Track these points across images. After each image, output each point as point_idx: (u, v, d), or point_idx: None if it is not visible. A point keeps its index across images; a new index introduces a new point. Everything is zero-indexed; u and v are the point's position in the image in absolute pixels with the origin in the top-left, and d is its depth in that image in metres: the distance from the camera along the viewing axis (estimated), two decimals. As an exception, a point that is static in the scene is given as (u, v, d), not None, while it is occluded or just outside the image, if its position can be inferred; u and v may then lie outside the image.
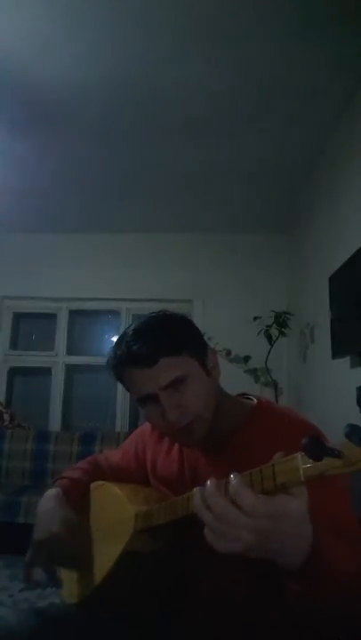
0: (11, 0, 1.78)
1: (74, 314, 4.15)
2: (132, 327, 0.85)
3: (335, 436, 0.85)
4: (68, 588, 0.94)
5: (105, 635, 0.87)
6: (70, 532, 0.87)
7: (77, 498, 0.98)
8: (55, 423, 3.90)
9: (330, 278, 2.49)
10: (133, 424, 3.86)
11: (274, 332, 3.36)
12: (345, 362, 2.33)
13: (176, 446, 0.96)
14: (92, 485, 1.01)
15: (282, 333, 3.37)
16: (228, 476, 0.61)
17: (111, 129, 2.61)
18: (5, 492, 2.97)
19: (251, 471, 0.55)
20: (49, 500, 0.94)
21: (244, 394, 0.98)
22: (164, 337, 0.81)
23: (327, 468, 0.48)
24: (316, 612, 0.63)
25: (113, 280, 3.98)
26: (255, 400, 0.92)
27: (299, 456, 0.50)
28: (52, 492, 0.96)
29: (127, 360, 0.81)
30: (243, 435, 0.85)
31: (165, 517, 0.75)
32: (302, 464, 0.50)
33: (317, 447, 0.47)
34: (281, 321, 3.35)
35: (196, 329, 0.89)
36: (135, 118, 2.51)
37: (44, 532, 0.86)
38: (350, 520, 0.72)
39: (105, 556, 0.84)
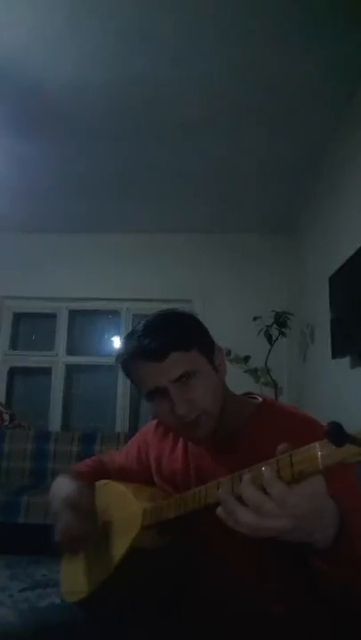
0: (12, 0, 1.78)
1: (74, 314, 4.15)
2: (142, 323, 0.86)
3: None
4: (70, 587, 0.94)
5: (106, 634, 0.87)
6: (84, 496, 0.90)
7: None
8: (55, 423, 3.90)
9: (330, 278, 2.49)
10: (133, 424, 3.86)
11: (274, 332, 3.36)
12: (345, 362, 2.33)
13: (180, 445, 0.96)
14: (97, 484, 1.02)
15: (282, 333, 3.37)
16: (232, 473, 0.61)
17: (111, 129, 2.61)
18: (5, 491, 2.97)
19: (267, 461, 0.56)
20: (60, 482, 0.98)
21: (248, 393, 0.98)
22: (175, 332, 0.83)
23: (346, 456, 0.48)
24: (347, 593, 0.64)
25: (113, 280, 3.98)
26: (260, 399, 0.93)
27: (317, 445, 0.51)
28: (61, 477, 1.00)
29: (138, 354, 0.82)
30: (248, 433, 0.85)
31: (174, 513, 0.75)
32: (320, 452, 0.51)
33: (341, 433, 0.48)
34: (281, 321, 3.34)
35: (204, 327, 0.91)
36: (135, 118, 2.51)
37: (60, 503, 0.89)
38: None
39: (110, 553, 0.84)
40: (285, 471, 0.53)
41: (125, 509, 0.86)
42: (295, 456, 0.53)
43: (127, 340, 0.86)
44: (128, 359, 0.85)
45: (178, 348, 0.81)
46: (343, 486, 0.62)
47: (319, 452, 0.51)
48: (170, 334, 0.82)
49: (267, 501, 0.53)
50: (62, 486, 0.95)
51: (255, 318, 3.36)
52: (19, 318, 4.19)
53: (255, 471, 0.57)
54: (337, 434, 0.48)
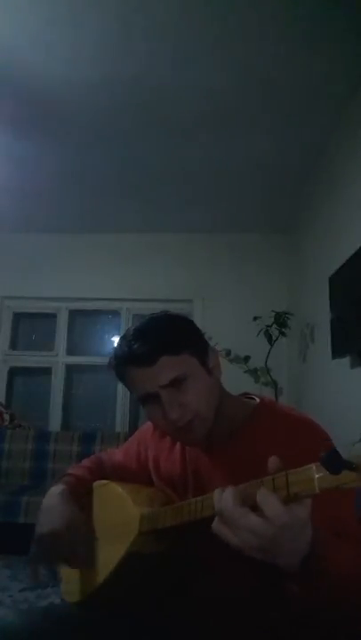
0: (12, 0, 1.78)
1: (74, 314, 4.15)
2: (132, 327, 0.86)
3: (335, 437, 0.85)
4: (70, 587, 0.94)
5: (105, 635, 0.87)
6: (72, 527, 0.87)
7: (81, 495, 0.98)
8: (55, 423, 3.90)
9: (330, 278, 2.49)
10: (133, 424, 3.86)
11: (274, 332, 3.36)
12: (345, 362, 2.33)
13: (178, 446, 0.96)
14: (96, 484, 1.02)
15: (282, 333, 3.36)
16: (230, 475, 0.61)
17: (111, 129, 2.61)
18: (5, 491, 2.97)
19: (263, 479, 0.55)
20: (52, 497, 0.95)
21: (246, 393, 0.98)
22: (165, 336, 0.82)
23: (343, 482, 0.47)
24: (316, 614, 0.63)
25: (113, 280, 3.98)
26: (258, 399, 0.92)
27: (313, 467, 0.49)
28: (55, 489, 0.97)
29: (128, 359, 0.81)
30: (245, 434, 0.85)
31: (171, 521, 0.74)
32: (317, 475, 0.49)
33: (337, 461, 0.46)
34: (281, 321, 3.34)
35: (197, 329, 0.89)
36: (135, 118, 2.51)
37: (46, 527, 0.87)
38: (351, 522, 0.72)
39: (107, 556, 0.84)
40: (281, 492, 0.52)
41: (123, 513, 0.85)
42: (291, 476, 0.52)
43: (118, 344, 0.85)
44: (118, 365, 0.84)
45: (168, 352, 0.79)
46: (329, 500, 0.61)
47: (315, 474, 0.49)
48: (159, 338, 0.81)
49: (246, 516, 0.52)
50: (48, 512, 0.91)
51: (255, 318, 3.36)
52: (19, 318, 4.19)
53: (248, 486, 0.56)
54: (332, 462, 0.46)
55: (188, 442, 0.89)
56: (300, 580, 0.57)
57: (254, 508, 0.53)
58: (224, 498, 0.55)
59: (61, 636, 0.88)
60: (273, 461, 0.55)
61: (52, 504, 0.93)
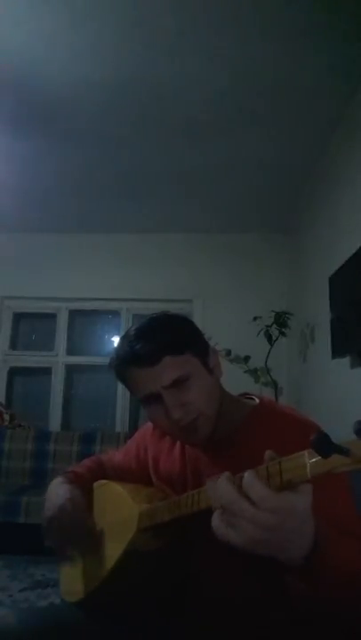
0: (12, 1, 1.78)
1: (74, 314, 4.15)
2: (133, 328, 0.85)
3: (335, 436, 0.85)
4: (70, 587, 0.94)
5: (105, 635, 0.87)
6: (77, 504, 0.90)
7: (81, 488, 0.99)
8: (55, 423, 3.90)
9: (330, 278, 2.49)
10: (133, 424, 3.86)
11: (274, 332, 3.36)
12: (345, 362, 2.33)
13: (177, 446, 0.96)
14: (96, 484, 1.02)
15: (282, 333, 3.37)
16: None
17: (111, 129, 2.61)
18: (5, 491, 2.97)
19: (257, 468, 0.55)
20: (55, 485, 0.98)
21: (246, 393, 0.98)
22: (167, 336, 0.82)
23: (334, 466, 0.47)
24: (319, 610, 0.63)
25: (113, 280, 3.98)
26: (257, 400, 0.92)
27: (306, 453, 0.50)
28: (57, 480, 1.01)
29: (130, 360, 0.81)
30: (244, 434, 0.85)
31: (169, 516, 0.75)
32: (309, 461, 0.50)
33: (326, 444, 0.47)
34: (281, 321, 3.34)
35: (198, 329, 0.89)
36: (135, 118, 2.51)
37: (53, 509, 0.90)
38: (353, 519, 0.72)
39: (107, 555, 0.84)
40: (274, 479, 0.52)
41: (122, 511, 0.86)
42: (284, 463, 0.53)
43: (119, 345, 0.85)
44: (120, 365, 0.84)
45: (170, 352, 0.79)
46: (330, 497, 0.60)
47: (308, 460, 0.50)
48: (162, 338, 0.81)
49: (238, 500, 0.52)
50: (57, 491, 0.95)
51: (255, 318, 3.36)
52: (19, 318, 4.20)
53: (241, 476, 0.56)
54: (322, 445, 0.46)
55: (191, 441, 0.89)
56: (304, 576, 0.57)
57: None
58: (219, 486, 0.55)
59: (61, 635, 0.88)
60: (268, 455, 0.56)
61: (54, 490, 0.97)
